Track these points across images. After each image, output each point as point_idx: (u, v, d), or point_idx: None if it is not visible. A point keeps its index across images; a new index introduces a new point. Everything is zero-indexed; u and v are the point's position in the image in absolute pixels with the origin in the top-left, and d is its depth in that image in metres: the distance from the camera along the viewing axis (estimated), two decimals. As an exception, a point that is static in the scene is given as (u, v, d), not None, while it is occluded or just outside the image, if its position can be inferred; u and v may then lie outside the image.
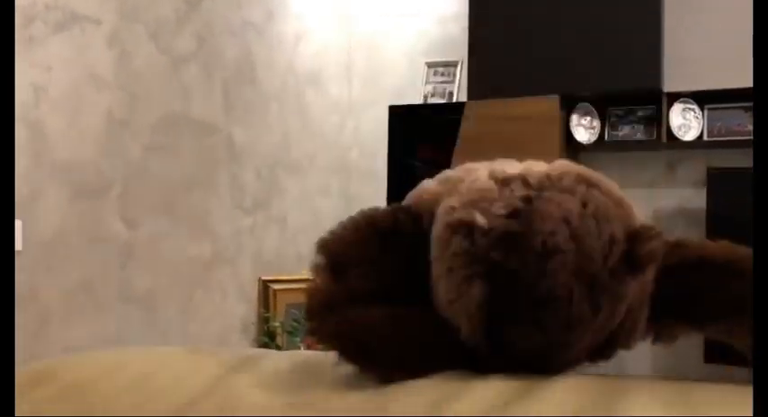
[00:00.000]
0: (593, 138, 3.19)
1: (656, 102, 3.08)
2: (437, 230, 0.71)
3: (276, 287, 3.28)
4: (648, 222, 0.72)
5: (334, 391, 0.63)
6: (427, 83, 3.60)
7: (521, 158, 0.81)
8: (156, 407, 0.65)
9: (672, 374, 3.20)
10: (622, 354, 0.76)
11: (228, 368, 0.68)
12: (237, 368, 0.67)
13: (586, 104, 3.18)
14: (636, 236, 0.68)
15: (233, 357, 0.71)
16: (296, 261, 3.43)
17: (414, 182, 0.86)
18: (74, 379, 0.71)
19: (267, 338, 3.15)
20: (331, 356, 0.66)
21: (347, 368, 0.65)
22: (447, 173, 0.83)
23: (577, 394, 0.61)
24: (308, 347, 3.17)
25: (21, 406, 0.70)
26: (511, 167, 0.76)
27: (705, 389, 0.62)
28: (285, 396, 0.63)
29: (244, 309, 3.21)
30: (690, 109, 3.06)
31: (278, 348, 3.07)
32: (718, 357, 2.91)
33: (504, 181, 0.72)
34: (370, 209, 0.78)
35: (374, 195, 3.47)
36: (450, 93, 3.56)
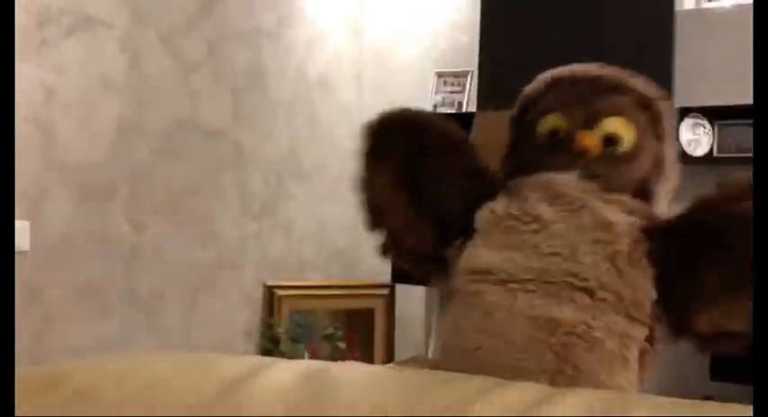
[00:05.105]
0: (602, 151, 3.18)
1: (666, 116, 3.07)
2: None
3: (280, 292, 3.28)
4: None
5: (347, 400, 0.63)
6: (437, 92, 3.60)
7: None
8: (165, 413, 0.65)
9: (677, 391, 3.17)
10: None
11: (238, 375, 0.67)
12: (246, 377, 0.67)
13: (596, 117, 3.17)
14: None
15: (242, 365, 0.70)
16: (301, 268, 3.43)
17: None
18: (82, 385, 0.71)
19: (270, 344, 3.14)
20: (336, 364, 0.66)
21: (356, 378, 0.65)
22: None
23: (588, 406, 0.61)
24: (312, 353, 3.16)
25: (26, 410, 0.70)
26: None
27: (710, 406, 0.62)
28: (295, 404, 0.63)
29: (248, 314, 3.21)
30: (700, 124, 3.05)
31: (281, 354, 3.06)
32: (724, 374, 2.90)
33: None
34: None
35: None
36: (460, 104, 3.55)
